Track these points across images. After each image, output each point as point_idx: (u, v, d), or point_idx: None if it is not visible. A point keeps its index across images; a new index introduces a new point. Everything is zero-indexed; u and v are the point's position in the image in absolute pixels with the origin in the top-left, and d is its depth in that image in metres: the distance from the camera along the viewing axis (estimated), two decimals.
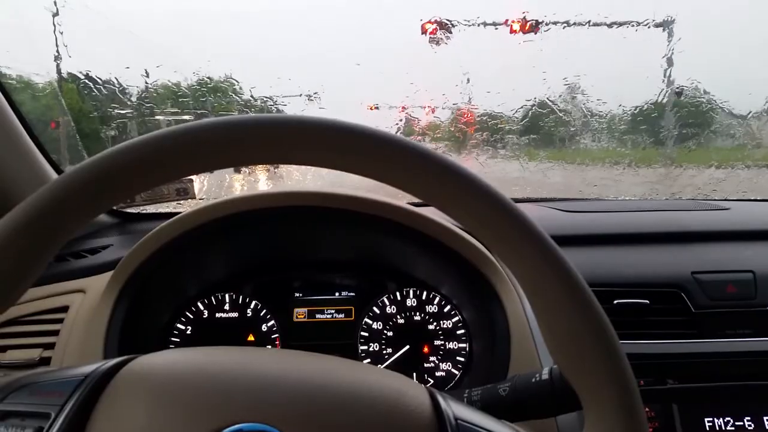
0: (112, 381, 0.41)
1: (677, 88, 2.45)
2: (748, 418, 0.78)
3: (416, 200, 0.83)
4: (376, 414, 0.39)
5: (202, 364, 0.44)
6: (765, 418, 0.78)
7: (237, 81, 2.06)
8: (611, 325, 0.40)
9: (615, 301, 0.86)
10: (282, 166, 2.35)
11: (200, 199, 1.20)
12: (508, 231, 0.41)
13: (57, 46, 1.62)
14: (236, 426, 0.36)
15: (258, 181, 2.64)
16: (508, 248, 0.42)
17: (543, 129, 2.52)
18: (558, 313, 0.40)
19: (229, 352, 0.48)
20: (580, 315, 0.40)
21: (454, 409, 0.41)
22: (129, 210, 1.20)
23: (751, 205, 1.29)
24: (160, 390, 0.40)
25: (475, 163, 2.15)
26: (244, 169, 2.38)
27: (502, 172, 2.18)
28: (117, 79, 1.74)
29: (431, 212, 0.85)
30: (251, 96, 1.92)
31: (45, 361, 0.80)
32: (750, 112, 2.22)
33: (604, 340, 0.40)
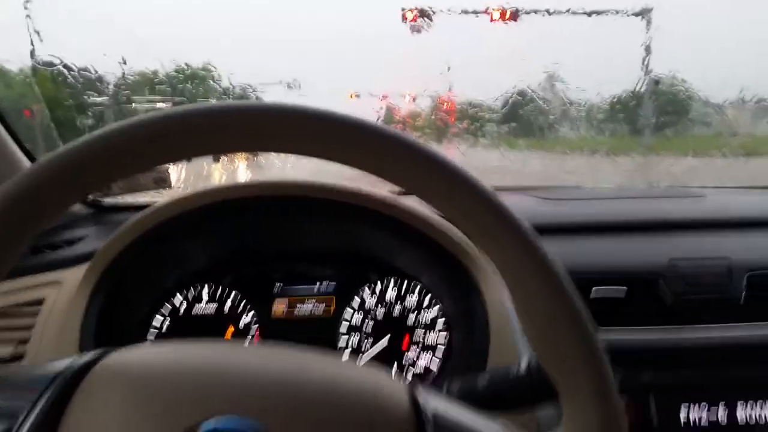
0: (86, 377, 0.40)
1: (655, 76, 2.47)
2: (723, 403, 0.80)
3: (397, 189, 0.83)
4: (354, 409, 0.39)
5: (178, 358, 0.43)
6: (739, 404, 0.80)
7: (215, 68, 2.04)
8: (586, 312, 0.40)
9: (593, 289, 0.86)
10: (262, 155, 2.33)
11: (178, 188, 1.19)
12: (486, 219, 0.41)
13: (29, 32, 1.58)
14: (212, 421, 0.36)
15: (237, 169, 2.62)
16: (485, 236, 0.42)
17: (523, 118, 2.54)
18: (534, 300, 0.40)
19: (206, 346, 0.47)
20: (556, 302, 0.40)
21: (433, 403, 0.41)
22: (106, 200, 1.18)
23: (726, 192, 1.31)
24: (136, 385, 0.39)
25: (456, 152, 2.16)
26: (223, 157, 2.36)
27: (482, 161, 2.19)
28: (93, 67, 1.70)
29: (412, 202, 0.85)
30: (230, 83, 1.90)
31: (19, 357, 0.79)
32: (726, 100, 2.25)
33: (578, 327, 0.40)
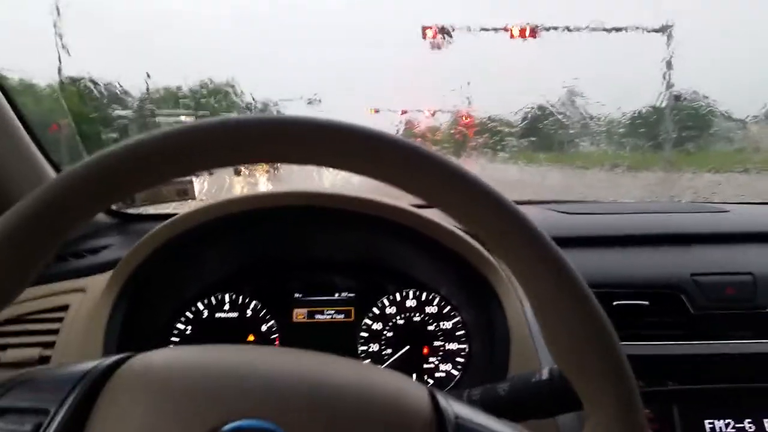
0: (111, 378, 0.41)
1: (676, 92, 2.46)
2: (749, 421, 0.78)
3: (418, 202, 0.83)
4: (376, 411, 0.39)
5: (202, 361, 0.43)
6: (765, 420, 0.78)
7: (238, 84, 2.08)
8: (610, 324, 0.40)
9: (614, 303, 0.86)
10: (282, 168, 2.36)
11: (200, 200, 1.20)
12: (507, 231, 0.41)
13: (58, 48, 1.63)
14: (236, 423, 0.36)
15: (258, 182, 2.64)
16: (507, 248, 0.42)
17: (542, 132, 2.53)
18: (557, 311, 0.40)
19: (229, 350, 0.48)
20: (580, 313, 0.40)
21: (455, 407, 0.41)
22: (129, 211, 1.20)
23: (750, 208, 1.29)
24: (160, 387, 0.40)
25: (475, 166, 2.16)
26: (244, 171, 2.39)
27: (501, 175, 2.19)
28: (119, 82, 1.74)
29: (431, 213, 0.85)
30: (252, 98, 1.93)
31: (44, 360, 0.80)
32: (748, 116, 2.23)
33: (603, 338, 0.40)
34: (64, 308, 0.86)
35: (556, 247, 0.41)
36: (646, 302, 0.85)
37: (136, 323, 0.84)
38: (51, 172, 1.04)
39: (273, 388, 0.39)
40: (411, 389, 0.42)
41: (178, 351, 0.49)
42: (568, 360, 0.42)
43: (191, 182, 1.14)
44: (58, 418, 0.38)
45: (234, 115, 0.43)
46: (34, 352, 0.81)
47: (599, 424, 0.40)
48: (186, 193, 1.15)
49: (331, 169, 0.44)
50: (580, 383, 0.41)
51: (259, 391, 0.39)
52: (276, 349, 0.47)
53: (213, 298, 0.97)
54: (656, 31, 2.82)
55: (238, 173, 2.39)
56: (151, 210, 1.24)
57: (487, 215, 0.41)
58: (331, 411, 0.38)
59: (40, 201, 0.40)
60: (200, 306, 0.96)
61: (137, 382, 0.41)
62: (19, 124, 0.98)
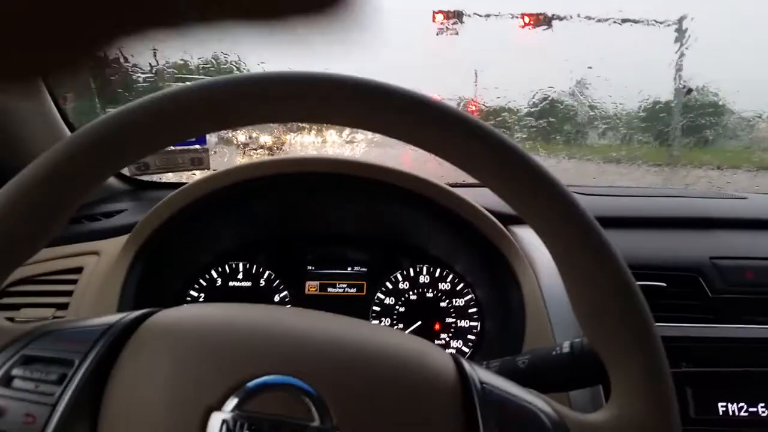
0: (136, 331, 0.41)
1: (687, 87, 2.44)
2: (762, 405, 0.78)
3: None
4: (403, 373, 0.39)
5: (229, 317, 0.43)
6: None
7: (244, 63, 2.07)
8: (638, 289, 0.40)
9: None
10: (286, 149, 2.35)
11: (214, 170, 1.20)
12: (539, 195, 0.41)
13: None
14: (262, 379, 0.36)
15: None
16: (538, 213, 0.41)
17: (552, 124, 2.52)
18: (588, 279, 0.40)
19: (254, 308, 0.47)
20: (611, 280, 0.40)
21: (479, 373, 0.41)
22: (143, 178, 1.19)
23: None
24: (186, 341, 0.40)
25: None
26: (254, 149, 2.38)
27: None
28: (127, 58, 1.73)
29: (447, 185, 0.84)
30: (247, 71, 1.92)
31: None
32: (758, 113, 2.22)
33: (633, 306, 0.40)
34: (78, 270, 0.85)
35: (589, 214, 0.40)
36: (664, 284, 0.85)
37: (150, 288, 0.84)
38: (66, 132, 1.04)
39: (300, 346, 0.39)
40: (436, 354, 0.42)
41: (204, 307, 0.48)
42: (597, 328, 0.41)
43: (206, 151, 1.13)
44: (83, 369, 0.38)
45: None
46: (48, 313, 0.81)
47: (626, 393, 0.40)
48: (201, 162, 1.14)
49: (346, 146, 0.43)
50: (608, 352, 0.41)
51: (285, 347, 0.39)
52: (302, 310, 0.47)
53: (227, 267, 0.97)
54: (669, 24, 2.80)
55: (243, 153, 2.38)
56: (165, 178, 1.23)
57: (518, 178, 0.41)
58: (359, 371, 0.38)
59: (54, 160, 0.39)
60: (214, 274, 0.96)
61: (162, 336, 0.41)
62: (43, 86, 0.97)
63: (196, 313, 0.45)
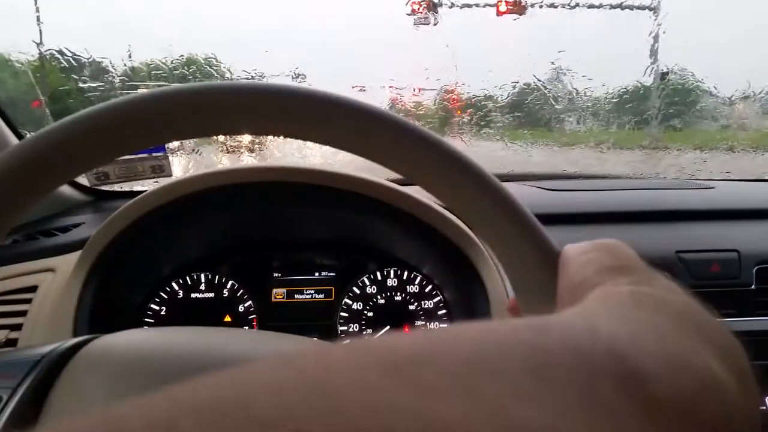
0: (71, 361, 0.40)
1: (663, 69, 2.46)
2: None
3: (394, 177, 0.81)
4: None
5: (164, 344, 0.42)
6: None
7: (215, 58, 2.04)
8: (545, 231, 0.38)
9: None
10: (268, 147, 2.33)
11: (177, 177, 1.17)
12: (440, 167, 0.39)
13: (38, 22, 1.58)
14: None
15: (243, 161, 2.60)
16: (453, 193, 0.40)
17: (529, 109, 2.52)
18: (502, 235, 0.39)
19: (193, 332, 0.46)
20: (516, 229, 0.38)
21: None
22: (103, 188, 1.16)
23: (736, 185, 1.28)
24: (120, 370, 0.39)
25: (460, 142, 2.15)
26: (229, 150, 2.36)
27: (486, 152, 2.17)
28: (97, 57, 1.70)
29: (413, 191, 0.83)
30: (229, 71, 1.90)
31: (12, 343, 0.78)
32: (733, 94, 2.23)
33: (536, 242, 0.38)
34: (33, 289, 0.83)
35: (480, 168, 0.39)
36: None
37: (108, 304, 0.82)
38: (14, 142, 1.01)
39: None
40: None
41: (141, 333, 0.47)
42: (516, 274, 0.40)
43: (167, 158, 1.10)
44: (13, 404, 0.36)
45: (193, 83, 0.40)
46: (1, 335, 0.78)
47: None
48: (162, 169, 1.11)
49: (317, 147, 0.41)
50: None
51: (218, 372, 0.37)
52: (240, 332, 0.45)
53: (188, 278, 0.95)
54: (644, 7, 2.81)
55: (226, 151, 2.36)
56: (126, 187, 1.20)
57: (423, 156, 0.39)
58: None
59: None
60: (175, 286, 0.94)
61: (97, 364, 0.40)
62: None
63: (131, 339, 0.44)
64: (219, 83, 0.39)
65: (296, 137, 0.40)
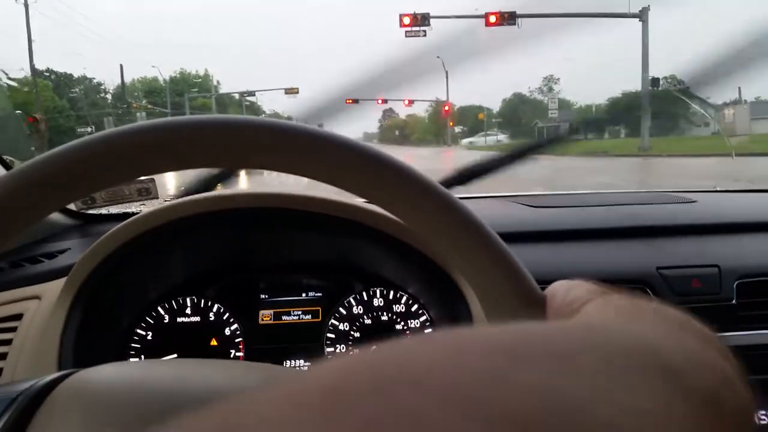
0: (47, 398, 0.40)
1: (653, 77, 2.48)
2: None
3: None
4: None
5: (142, 378, 0.42)
6: None
7: (212, 75, 2.05)
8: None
9: None
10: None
11: (165, 200, 1.17)
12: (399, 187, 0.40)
13: (29, 41, 1.59)
14: None
15: (238, 181, 2.59)
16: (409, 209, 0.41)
17: (520, 120, 2.53)
18: (462, 248, 0.40)
19: (173, 365, 0.46)
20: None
21: None
22: (90, 212, 1.16)
23: (718, 197, 1.29)
24: (97, 405, 0.39)
25: (452, 154, 2.16)
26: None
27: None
28: (92, 75, 1.71)
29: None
30: (214, 86, 1.91)
31: None
32: (724, 102, 2.25)
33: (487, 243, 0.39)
34: (18, 317, 0.82)
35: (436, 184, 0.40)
36: None
37: (94, 330, 0.81)
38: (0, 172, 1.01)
39: (210, 403, 0.38)
40: None
41: (119, 368, 0.47)
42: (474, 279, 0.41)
43: (153, 181, 1.10)
44: None
45: (202, 114, 0.41)
46: None
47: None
48: (148, 192, 1.11)
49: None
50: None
51: (195, 406, 0.37)
52: (222, 363, 0.46)
53: (174, 302, 0.95)
54: (633, 16, 2.85)
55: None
56: (114, 210, 1.20)
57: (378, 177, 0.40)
58: None
59: None
60: (161, 311, 0.94)
61: (74, 401, 0.39)
62: None
63: (108, 375, 0.44)
64: (207, 117, 0.39)
65: (286, 171, 0.41)
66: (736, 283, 0.87)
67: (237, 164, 0.42)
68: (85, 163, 0.39)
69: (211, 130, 0.39)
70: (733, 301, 0.86)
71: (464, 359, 0.15)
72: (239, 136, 0.39)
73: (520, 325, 0.19)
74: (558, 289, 0.38)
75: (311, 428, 0.13)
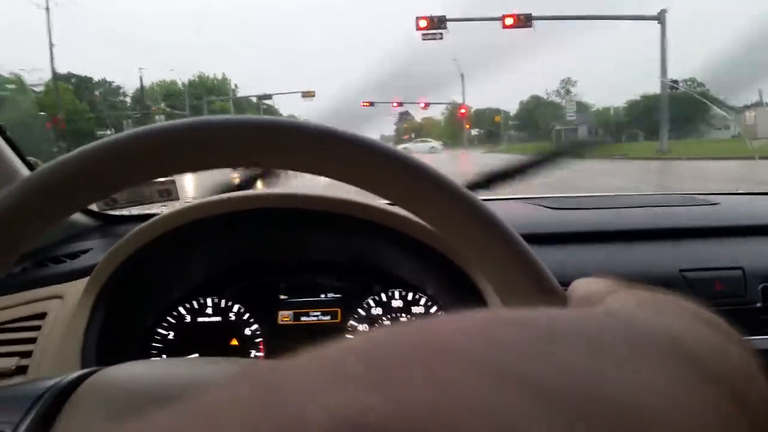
0: (73, 395, 0.40)
1: (672, 80, 2.46)
2: None
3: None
4: None
5: (166, 376, 0.43)
6: None
7: (230, 79, 2.07)
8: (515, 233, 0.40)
9: None
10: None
11: (186, 201, 1.18)
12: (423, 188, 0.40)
13: (50, 46, 1.62)
14: None
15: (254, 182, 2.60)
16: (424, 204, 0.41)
17: (537, 122, 2.52)
18: (481, 247, 0.40)
19: (196, 363, 0.46)
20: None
21: None
22: (112, 213, 1.18)
23: (741, 200, 1.27)
24: (121, 402, 0.39)
25: (469, 157, 2.15)
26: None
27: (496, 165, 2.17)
28: (112, 78, 1.73)
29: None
30: (232, 89, 1.92)
31: (22, 370, 0.78)
32: (744, 104, 2.23)
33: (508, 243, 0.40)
34: (42, 316, 0.84)
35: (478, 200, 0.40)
36: None
37: (116, 329, 0.82)
38: (24, 173, 1.02)
39: None
40: None
41: (143, 366, 0.47)
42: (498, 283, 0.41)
43: (173, 182, 1.12)
44: None
45: (224, 115, 0.42)
46: (11, 362, 0.79)
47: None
48: (169, 194, 1.13)
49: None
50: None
51: None
52: (240, 362, 0.46)
53: (195, 302, 0.95)
54: (651, 18, 2.83)
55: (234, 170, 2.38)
56: (135, 211, 1.22)
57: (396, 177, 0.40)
58: None
59: (3, 204, 0.38)
60: (182, 310, 0.95)
61: (99, 399, 0.40)
62: None
63: (133, 372, 0.44)
64: (226, 117, 0.40)
65: (297, 170, 0.42)
66: (761, 286, 0.85)
67: (272, 165, 0.42)
68: (115, 161, 0.39)
69: (255, 130, 0.39)
70: (758, 305, 0.84)
71: (502, 334, 0.16)
72: (277, 136, 0.39)
73: (549, 309, 0.19)
74: (579, 285, 0.38)
75: (352, 393, 0.13)
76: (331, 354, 0.15)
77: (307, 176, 0.43)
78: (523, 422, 0.12)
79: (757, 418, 0.19)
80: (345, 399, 0.12)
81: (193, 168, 0.42)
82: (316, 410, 0.12)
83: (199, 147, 0.39)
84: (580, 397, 0.13)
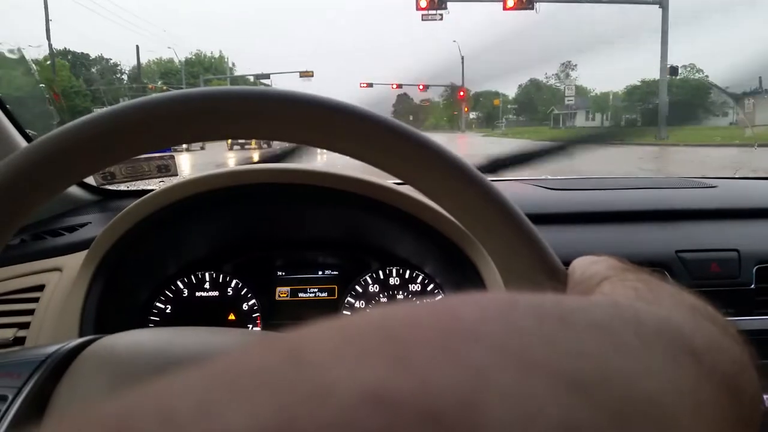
0: (74, 361, 0.41)
1: (672, 66, 2.45)
2: None
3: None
4: None
5: (166, 344, 0.43)
6: None
7: (227, 57, 2.06)
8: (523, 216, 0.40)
9: None
10: (272, 145, 2.33)
11: (184, 176, 1.18)
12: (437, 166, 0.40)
13: (47, 22, 1.60)
14: None
15: (252, 158, 2.60)
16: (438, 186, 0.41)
17: (535, 107, 2.51)
18: (491, 227, 0.40)
19: (195, 332, 0.47)
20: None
21: None
22: (110, 187, 1.17)
23: (738, 183, 1.28)
24: (122, 370, 0.40)
25: (467, 140, 2.15)
26: (236, 146, 2.37)
27: (495, 149, 2.17)
28: (108, 55, 1.72)
29: (413, 190, 0.83)
30: (230, 68, 1.91)
31: (20, 341, 0.79)
32: (744, 90, 2.22)
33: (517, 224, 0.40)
34: (40, 288, 0.84)
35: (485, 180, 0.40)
36: None
37: (114, 302, 0.83)
38: (22, 144, 1.02)
39: None
40: None
41: (144, 333, 0.48)
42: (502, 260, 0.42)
43: (172, 157, 1.11)
44: (18, 404, 0.37)
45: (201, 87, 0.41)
46: (9, 333, 0.79)
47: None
48: (168, 169, 1.12)
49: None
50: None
51: None
52: (243, 332, 0.46)
53: (193, 277, 0.96)
54: (653, 2, 2.80)
55: (231, 148, 2.39)
56: (133, 186, 1.21)
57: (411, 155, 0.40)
58: None
59: (3, 172, 0.38)
60: (180, 285, 0.95)
61: (100, 366, 0.41)
62: None
63: (133, 340, 0.44)
64: (234, 88, 0.40)
65: (312, 145, 0.41)
66: (755, 267, 0.86)
67: (288, 138, 0.42)
68: (117, 130, 0.39)
69: (274, 101, 0.39)
70: (752, 286, 0.85)
71: (521, 321, 0.16)
72: (289, 109, 0.39)
73: (560, 296, 0.19)
74: (579, 263, 0.38)
75: (378, 367, 0.13)
76: (352, 326, 0.15)
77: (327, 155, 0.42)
78: (547, 408, 0.12)
79: (746, 409, 0.19)
80: (371, 373, 0.12)
81: (205, 137, 0.42)
82: (343, 381, 0.12)
83: (217, 117, 0.39)
84: (603, 387, 0.14)
